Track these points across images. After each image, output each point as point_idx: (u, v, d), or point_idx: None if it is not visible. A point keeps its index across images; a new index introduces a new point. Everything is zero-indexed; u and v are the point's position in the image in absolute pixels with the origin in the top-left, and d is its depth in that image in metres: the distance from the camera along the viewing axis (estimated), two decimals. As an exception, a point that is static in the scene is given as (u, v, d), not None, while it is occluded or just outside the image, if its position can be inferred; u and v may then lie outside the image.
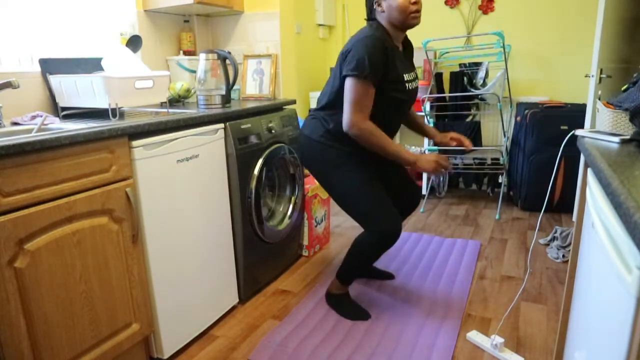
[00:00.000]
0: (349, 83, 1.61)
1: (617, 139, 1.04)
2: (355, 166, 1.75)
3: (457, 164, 3.55)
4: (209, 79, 1.96)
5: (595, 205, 0.92)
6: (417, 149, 3.68)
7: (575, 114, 2.96)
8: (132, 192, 1.42)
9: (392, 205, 1.74)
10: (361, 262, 1.82)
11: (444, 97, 3.52)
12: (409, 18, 1.62)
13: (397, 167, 1.97)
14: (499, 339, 1.63)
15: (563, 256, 2.40)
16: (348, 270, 1.87)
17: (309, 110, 1.86)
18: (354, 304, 1.93)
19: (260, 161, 2.00)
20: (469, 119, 3.56)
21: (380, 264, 2.38)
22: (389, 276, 2.21)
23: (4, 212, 1.11)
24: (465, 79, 3.43)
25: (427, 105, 3.23)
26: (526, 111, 3.09)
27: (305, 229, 2.48)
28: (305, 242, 2.51)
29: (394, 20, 1.64)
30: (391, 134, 1.80)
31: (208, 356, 1.68)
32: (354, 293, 2.07)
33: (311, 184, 2.47)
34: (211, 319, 1.85)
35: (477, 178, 3.74)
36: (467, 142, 1.83)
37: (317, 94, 3.53)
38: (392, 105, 1.72)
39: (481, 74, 3.35)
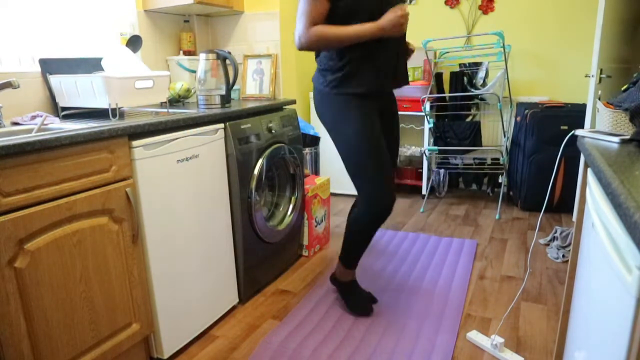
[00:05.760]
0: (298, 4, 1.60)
1: (617, 139, 1.04)
2: (363, 116, 1.68)
3: (457, 164, 3.55)
4: (209, 79, 1.96)
5: (595, 205, 0.92)
6: (417, 148, 3.69)
7: (575, 114, 2.96)
8: (132, 192, 1.43)
9: (390, 171, 1.70)
10: (359, 240, 1.82)
11: (444, 97, 3.52)
12: None
13: (393, 144, 1.89)
14: (499, 339, 1.63)
15: (563, 256, 2.40)
16: (349, 251, 1.87)
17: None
18: (361, 296, 1.93)
19: (260, 161, 2.00)
20: (469, 119, 3.55)
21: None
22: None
23: (4, 212, 1.11)
24: (465, 79, 3.43)
25: (427, 106, 3.23)
26: (526, 111, 3.09)
27: (305, 229, 2.48)
28: (305, 242, 2.51)
29: None
30: (396, 46, 1.68)
31: (208, 356, 1.68)
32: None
33: (311, 184, 2.47)
34: (211, 319, 1.85)
35: (477, 178, 3.74)
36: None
37: (317, 94, 3.52)
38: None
39: (481, 74, 3.35)
